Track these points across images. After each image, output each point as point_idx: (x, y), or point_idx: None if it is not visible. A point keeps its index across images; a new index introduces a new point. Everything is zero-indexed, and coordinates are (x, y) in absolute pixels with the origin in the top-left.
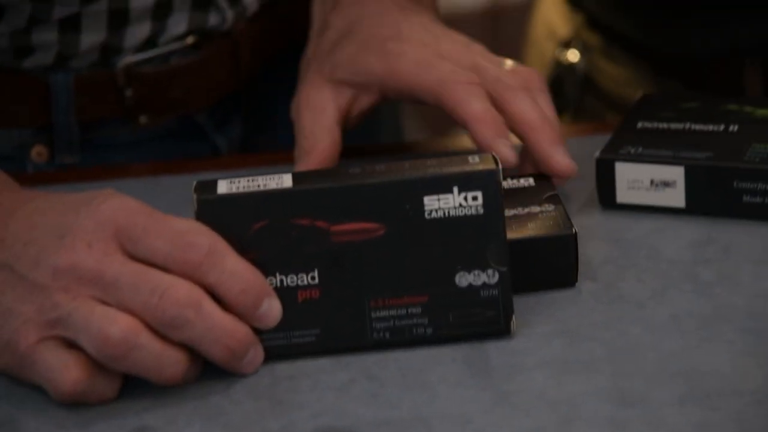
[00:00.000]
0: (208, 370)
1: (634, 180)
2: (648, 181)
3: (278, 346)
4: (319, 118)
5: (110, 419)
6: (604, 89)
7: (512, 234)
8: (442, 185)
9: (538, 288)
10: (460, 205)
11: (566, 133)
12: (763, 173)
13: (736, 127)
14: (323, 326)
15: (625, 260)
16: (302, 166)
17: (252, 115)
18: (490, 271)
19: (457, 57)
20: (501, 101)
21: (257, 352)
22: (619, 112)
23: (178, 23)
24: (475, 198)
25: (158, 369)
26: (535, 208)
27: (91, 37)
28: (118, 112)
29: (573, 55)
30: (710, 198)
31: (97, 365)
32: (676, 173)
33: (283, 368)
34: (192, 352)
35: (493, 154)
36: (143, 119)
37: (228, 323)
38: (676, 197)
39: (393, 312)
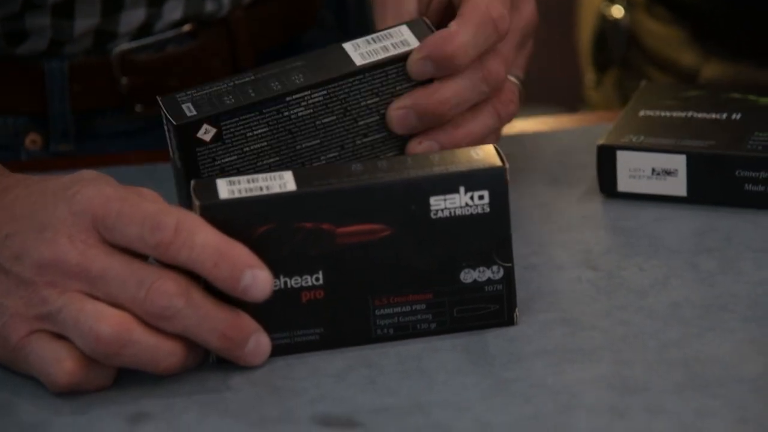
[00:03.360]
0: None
1: (636, 168)
2: (649, 169)
3: (281, 345)
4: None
5: (107, 405)
6: (648, 47)
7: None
8: (448, 185)
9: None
10: (467, 204)
11: (571, 122)
12: (765, 162)
13: (738, 116)
14: (327, 325)
15: (627, 249)
16: None
17: None
18: (495, 268)
19: None
20: None
21: (261, 341)
22: (663, 70)
23: (174, 9)
24: (481, 197)
25: (154, 362)
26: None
27: (85, 21)
28: (113, 100)
29: (617, 11)
30: (712, 187)
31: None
32: (677, 162)
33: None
34: (189, 340)
35: (496, 146)
36: (138, 108)
37: (223, 311)
38: (678, 186)
39: (397, 309)
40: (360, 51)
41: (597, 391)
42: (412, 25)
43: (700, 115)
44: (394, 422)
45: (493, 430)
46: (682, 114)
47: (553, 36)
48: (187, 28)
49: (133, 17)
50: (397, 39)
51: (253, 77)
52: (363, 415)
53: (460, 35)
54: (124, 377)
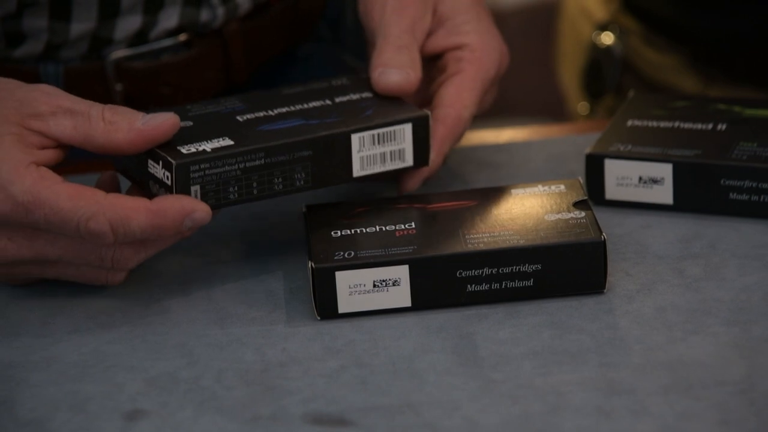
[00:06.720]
0: (201, 357)
1: (623, 176)
2: (637, 177)
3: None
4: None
5: (104, 403)
6: (646, 74)
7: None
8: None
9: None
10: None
11: (560, 131)
12: (749, 171)
13: (724, 126)
14: (419, 245)
15: (614, 255)
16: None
17: None
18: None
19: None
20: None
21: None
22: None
23: (170, 17)
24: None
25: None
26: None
27: (81, 25)
28: None
29: (608, 38)
30: (697, 195)
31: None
32: (664, 170)
33: (274, 355)
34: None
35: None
36: None
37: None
38: (664, 194)
39: (485, 235)
40: (362, 154)
41: (583, 392)
42: (416, 125)
43: (686, 125)
44: (384, 421)
45: (482, 430)
46: (669, 124)
47: (544, 49)
48: (182, 38)
49: (129, 23)
50: (398, 146)
51: (263, 160)
52: (354, 414)
53: (438, 163)
54: (121, 375)
